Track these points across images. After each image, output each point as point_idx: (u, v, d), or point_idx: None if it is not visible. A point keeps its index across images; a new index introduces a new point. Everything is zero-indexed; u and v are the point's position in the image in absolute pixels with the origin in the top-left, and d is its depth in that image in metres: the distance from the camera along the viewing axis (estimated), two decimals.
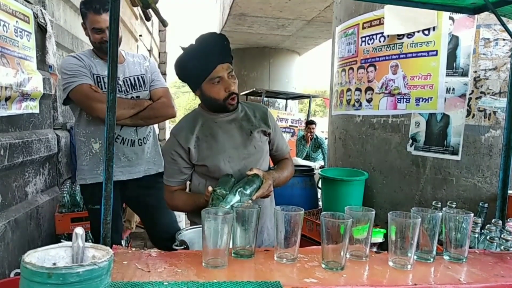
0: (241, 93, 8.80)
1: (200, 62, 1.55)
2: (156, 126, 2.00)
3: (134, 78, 2.25)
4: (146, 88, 2.28)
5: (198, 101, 1.77)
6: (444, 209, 1.27)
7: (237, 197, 1.39)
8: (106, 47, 2.10)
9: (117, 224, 2.31)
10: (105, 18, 2.05)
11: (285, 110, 9.86)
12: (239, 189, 1.41)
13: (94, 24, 2.07)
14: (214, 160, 1.61)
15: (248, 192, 1.43)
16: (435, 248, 1.19)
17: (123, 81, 2.21)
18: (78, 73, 2.07)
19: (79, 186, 2.42)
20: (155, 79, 2.32)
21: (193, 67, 1.57)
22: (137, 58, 2.36)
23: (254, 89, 8.63)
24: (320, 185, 2.91)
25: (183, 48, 1.61)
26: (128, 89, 2.22)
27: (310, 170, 3.57)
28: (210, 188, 1.44)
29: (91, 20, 2.07)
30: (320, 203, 3.40)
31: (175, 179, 1.67)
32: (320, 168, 5.57)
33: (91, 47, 2.24)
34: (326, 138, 6.52)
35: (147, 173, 2.28)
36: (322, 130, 9.08)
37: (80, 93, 2.05)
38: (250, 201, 1.42)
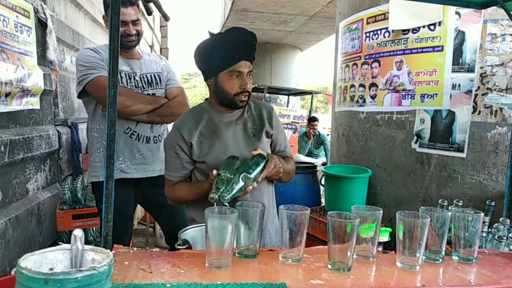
0: None
1: (227, 50, 1.53)
2: (170, 125, 2.01)
3: (150, 75, 2.23)
4: (162, 87, 2.26)
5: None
6: (453, 208, 1.24)
7: (241, 183, 1.36)
8: (128, 41, 2.11)
9: (127, 226, 2.28)
10: (130, 12, 2.03)
11: (287, 106, 9.82)
12: (243, 174, 1.38)
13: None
14: (214, 158, 1.58)
15: (252, 176, 1.40)
16: (444, 248, 1.16)
17: (140, 77, 2.18)
18: (96, 65, 2.04)
19: (90, 183, 2.38)
20: (171, 78, 2.31)
21: (219, 53, 1.55)
22: (153, 56, 2.35)
23: (256, 85, 8.58)
24: (323, 182, 2.88)
25: (211, 34, 1.58)
26: (144, 86, 2.19)
27: (313, 167, 3.55)
28: (214, 172, 1.42)
29: None
30: (323, 200, 3.38)
31: (177, 173, 1.64)
32: (322, 164, 5.55)
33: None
34: (328, 135, 6.49)
35: (162, 173, 2.26)
36: (323, 126, 9.05)
37: (98, 85, 2.01)
38: (255, 185, 1.41)
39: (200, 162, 1.61)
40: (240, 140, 1.63)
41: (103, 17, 2.15)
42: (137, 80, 2.17)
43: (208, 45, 1.58)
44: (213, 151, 1.58)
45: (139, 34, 2.16)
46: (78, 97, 2.18)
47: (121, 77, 2.11)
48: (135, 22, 2.11)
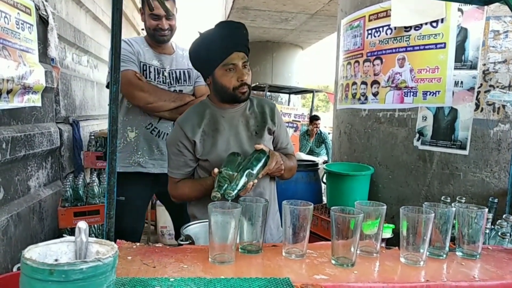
0: None
1: (217, 46, 1.52)
2: None
3: (180, 72, 2.22)
4: (190, 84, 2.24)
5: None
6: (457, 204, 1.23)
7: (244, 179, 1.35)
8: (160, 35, 2.12)
9: (138, 225, 2.28)
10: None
11: (288, 105, 9.81)
12: (247, 171, 1.38)
13: (153, 10, 2.05)
14: (217, 156, 1.57)
15: (255, 172, 1.40)
16: (447, 244, 1.15)
17: (169, 72, 2.18)
18: (126, 58, 2.05)
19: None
20: (200, 76, 2.29)
21: (209, 51, 1.54)
22: (187, 52, 2.32)
23: (257, 83, 8.57)
24: (325, 180, 2.88)
25: (200, 34, 1.57)
26: (172, 82, 2.18)
27: (314, 165, 3.55)
28: (216, 170, 1.40)
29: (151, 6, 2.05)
30: (324, 198, 3.38)
31: (180, 171, 1.63)
32: (324, 163, 5.54)
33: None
34: (329, 133, 6.48)
35: None
36: (324, 125, 9.04)
37: (124, 79, 2.01)
38: (255, 181, 1.40)
39: (203, 160, 1.60)
40: (242, 137, 1.62)
41: (140, 9, 2.18)
42: (165, 76, 2.17)
43: (198, 43, 1.58)
44: (216, 149, 1.58)
45: (172, 29, 2.15)
46: (107, 87, 2.19)
47: (150, 72, 2.12)
48: (169, 17, 2.11)
